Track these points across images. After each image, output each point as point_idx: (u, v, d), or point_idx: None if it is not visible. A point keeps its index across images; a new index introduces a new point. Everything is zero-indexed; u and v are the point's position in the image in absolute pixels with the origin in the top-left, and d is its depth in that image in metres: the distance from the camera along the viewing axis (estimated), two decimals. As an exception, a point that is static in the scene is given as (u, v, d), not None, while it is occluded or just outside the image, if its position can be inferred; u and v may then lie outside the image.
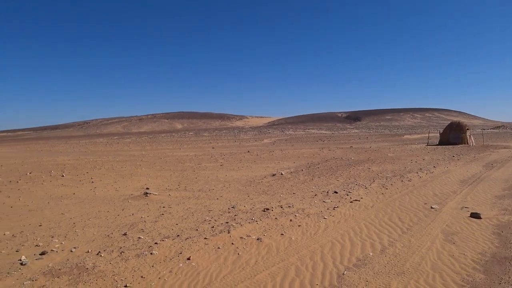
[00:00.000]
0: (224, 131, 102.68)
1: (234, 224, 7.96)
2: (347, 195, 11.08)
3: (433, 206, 9.33)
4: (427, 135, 46.26)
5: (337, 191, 11.73)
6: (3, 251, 6.59)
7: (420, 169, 16.60)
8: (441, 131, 38.40)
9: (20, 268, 5.72)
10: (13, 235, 7.66)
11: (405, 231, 7.38)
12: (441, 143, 35.64)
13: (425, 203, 9.76)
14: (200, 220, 8.53)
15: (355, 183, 13.29)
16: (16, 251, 6.59)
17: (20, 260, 6.04)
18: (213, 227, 7.87)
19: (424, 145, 35.49)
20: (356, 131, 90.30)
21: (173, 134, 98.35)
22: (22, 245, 6.91)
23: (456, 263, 5.67)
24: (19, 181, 15.02)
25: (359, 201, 10.16)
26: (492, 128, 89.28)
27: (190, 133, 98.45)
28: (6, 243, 7.08)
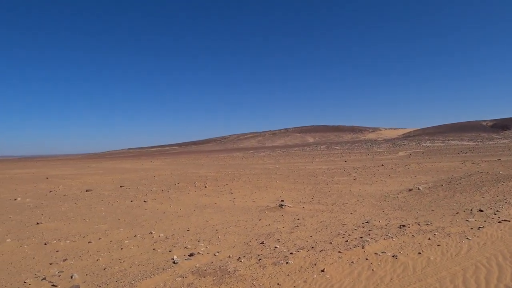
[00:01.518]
0: (356, 144, 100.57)
1: (369, 239, 7.88)
2: (495, 214, 10.07)
3: None
4: None
5: (482, 209, 10.73)
6: (159, 250, 7.62)
7: None
8: None
9: (172, 266, 6.55)
10: (166, 237, 8.77)
11: None
12: None
13: None
14: (334, 234, 8.62)
15: (505, 200, 11.97)
16: (169, 251, 7.55)
17: (173, 259, 6.91)
18: (347, 241, 7.90)
19: None
20: (505, 141, 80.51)
21: (305, 147, 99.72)
22: (174, 246, 7.88)
23: None
24: (169, 190, 16.91)
25: (509, 221, 9.14)
26: None
27: (322, 147, 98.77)
28: (161, 244, 8.15)
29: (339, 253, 6.99)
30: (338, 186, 17.80)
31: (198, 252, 7.33)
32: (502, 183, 16.06)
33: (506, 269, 6.05)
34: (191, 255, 7.18)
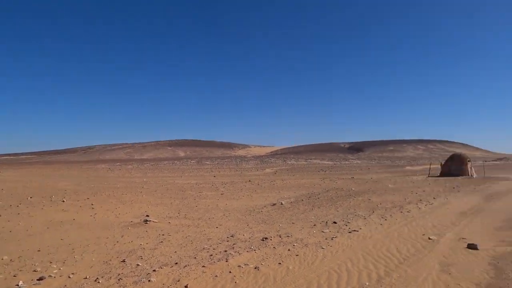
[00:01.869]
0: (227, 160, 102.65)
1: (233, 253, 8.01)
2: (346, 225, 11.11)
3: (431, 237, 9.35)
4: (428, 166, 46.17)
5: (336, 221, 11.75)
6: (0, 276, 6.64)
7: (420, 200, 16.60)
8: (442, 163, 38.41)
9: (17, 293, 5.77)
10: (11, 259, 7.70)
11: (402, 261, 7.40)
12: (443, 174, 35.61)
13: (423, 234, 9.78)
14: (199, 248, 8.57)
15: (355, 213, 13.31)
16: (14, 276, 6.64)
17: (18, 285, 6.10)
18: (211, 255, 7.91)
19: (425, 176, 35.43)
20: (358, 162, 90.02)
21: (175, 161, 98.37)
22: (20, 270, 6.96)
23: (451, 294, 5.69)
24: (19, 205, 15.09)
25: (357, 231, 10.18)
26: (494, 160, 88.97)
27: (192, 161, 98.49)
28: (4, 268, 7.11)
29: (203, 268, 6.95)
30: (206, 201, 17.86)
31: (50, 275, 6.58)
32: (354, 198, 17.84)
33: (354, 273, 6.70)
34: (40, 279, 6.40)
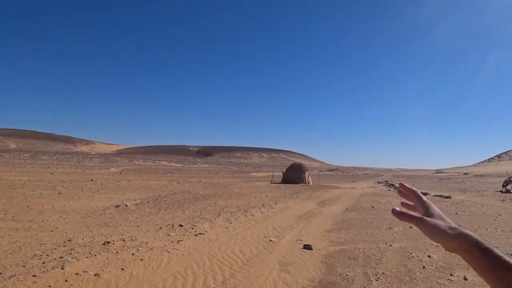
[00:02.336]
0: (67, 156, 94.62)
1: (70, 259, 7.25)
2: (192, 228, 11.08)
3: (272, 239, 9.90)
4: (272, 173, 49.32)
5: (182, 224, 11.64)
6: None
7: (263, 205, 17.55)
8: (284, 171, 41.46)
9: None
10: None
11: (245, 262, 7.64)
12: (284, 181, 38.44)
13: (265, 236, 10.29)
14: (29, 255, 7.55)
15: (201, 216, 13.39)
16: None
17: None
18: (44, 262, 7.03)
19: (269, 182, 37.79)
20: (207, 165, 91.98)
21: (4, 154, 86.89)
22: None
23: (289, 292, 6.05)
24: None
25: (203, 234, 10.23)
26: (327, 171, 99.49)
27: (25, 155, 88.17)
28: None
29: (34, 277, 6.13)
30: (40, 200, 16.03)
31: None
32: (200, 201, 17.99)
33: (199, 276, 6.67)
34: None
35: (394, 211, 0.95)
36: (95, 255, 7.66)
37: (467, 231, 0.84)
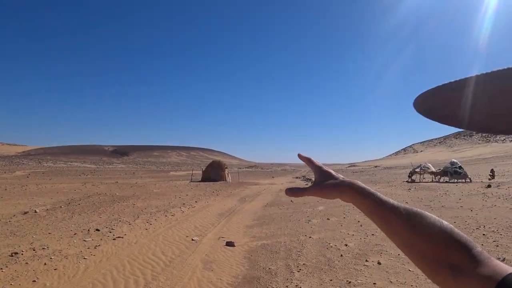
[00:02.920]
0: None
1: (-31, 274, 6.61)
2: (110, 232, 10.62)
3: (194, 238, 9.82)
4: (191, 172, 48.88)
5: (99, 228, 11.10)
6: None
7: (183, 204, 17.34)
8: (204, 169, 41.32)
9: None
10: None
11: (168, 264, 7.50)
12: (204, 179, 38.31)
13: (186, 236, 10.18)
14: None
15: (119, 219, 12.87)
16: None
17: None
18: None
19: (188, 181, 37.42)
20: (123, 166, 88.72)
21: None
22: None
23: (214, 289, 6.06)
24: None
25: (122, 237, 9.86)
26: (247, 167, 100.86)
27: None
28: None
29: None
30: None
31: None
32: (118, 203, 17.30)
33: (120, 281, 6.43)
34: None
35: (286, 192, 1.04)
36: (1, 268, 7.03)
37: (352, 180, 0.96)
